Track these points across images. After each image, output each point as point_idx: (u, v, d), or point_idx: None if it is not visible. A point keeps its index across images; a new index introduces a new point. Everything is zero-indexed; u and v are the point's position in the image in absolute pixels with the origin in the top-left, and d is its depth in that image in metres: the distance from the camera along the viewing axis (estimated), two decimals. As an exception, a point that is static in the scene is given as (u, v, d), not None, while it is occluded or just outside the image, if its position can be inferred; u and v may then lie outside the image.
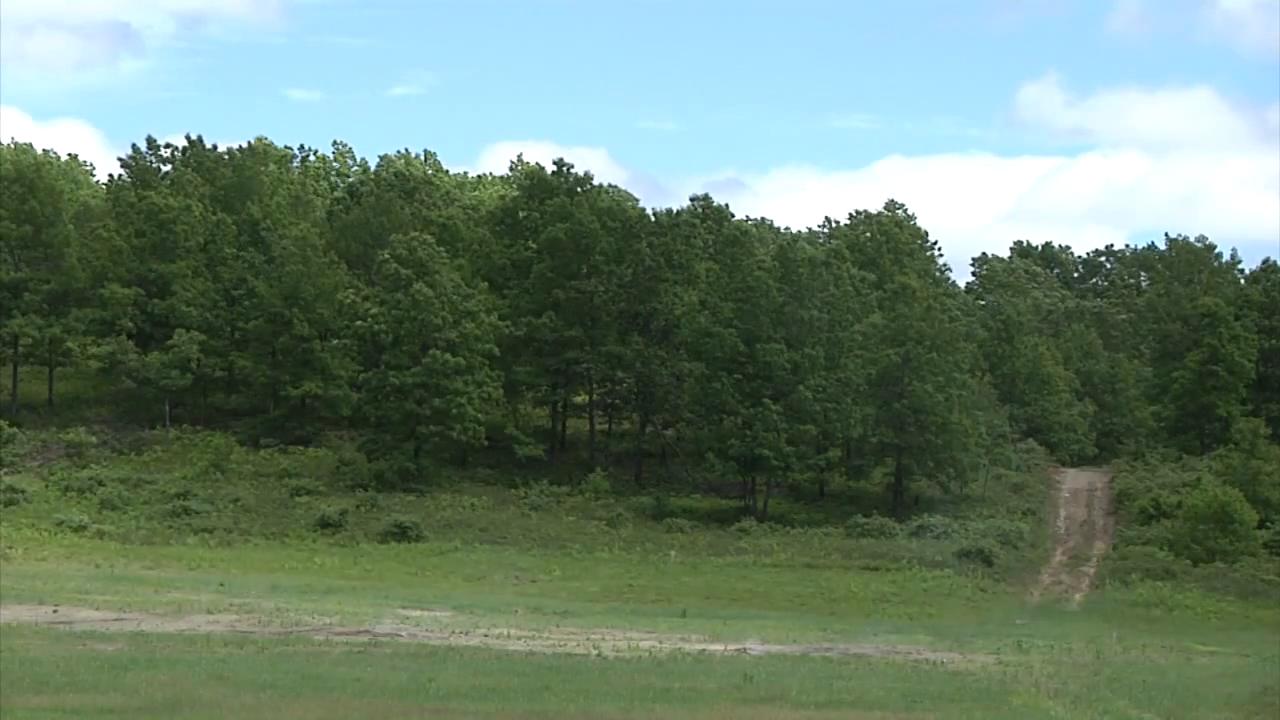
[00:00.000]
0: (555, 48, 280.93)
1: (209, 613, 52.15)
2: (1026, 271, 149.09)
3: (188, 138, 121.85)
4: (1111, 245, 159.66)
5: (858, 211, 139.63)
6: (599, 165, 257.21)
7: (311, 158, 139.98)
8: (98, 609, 51.91)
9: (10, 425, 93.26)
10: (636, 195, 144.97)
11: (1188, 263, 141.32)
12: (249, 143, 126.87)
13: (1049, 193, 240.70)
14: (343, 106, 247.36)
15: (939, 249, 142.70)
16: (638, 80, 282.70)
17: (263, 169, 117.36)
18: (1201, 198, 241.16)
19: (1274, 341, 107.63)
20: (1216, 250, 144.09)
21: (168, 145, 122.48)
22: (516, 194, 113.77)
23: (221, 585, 63.41)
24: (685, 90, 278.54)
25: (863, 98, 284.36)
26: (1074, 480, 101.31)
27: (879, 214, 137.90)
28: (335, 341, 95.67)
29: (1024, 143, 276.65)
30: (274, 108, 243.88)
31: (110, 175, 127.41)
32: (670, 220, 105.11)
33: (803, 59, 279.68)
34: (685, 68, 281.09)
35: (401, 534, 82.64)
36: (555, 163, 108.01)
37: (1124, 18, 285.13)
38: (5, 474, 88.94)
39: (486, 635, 48.76)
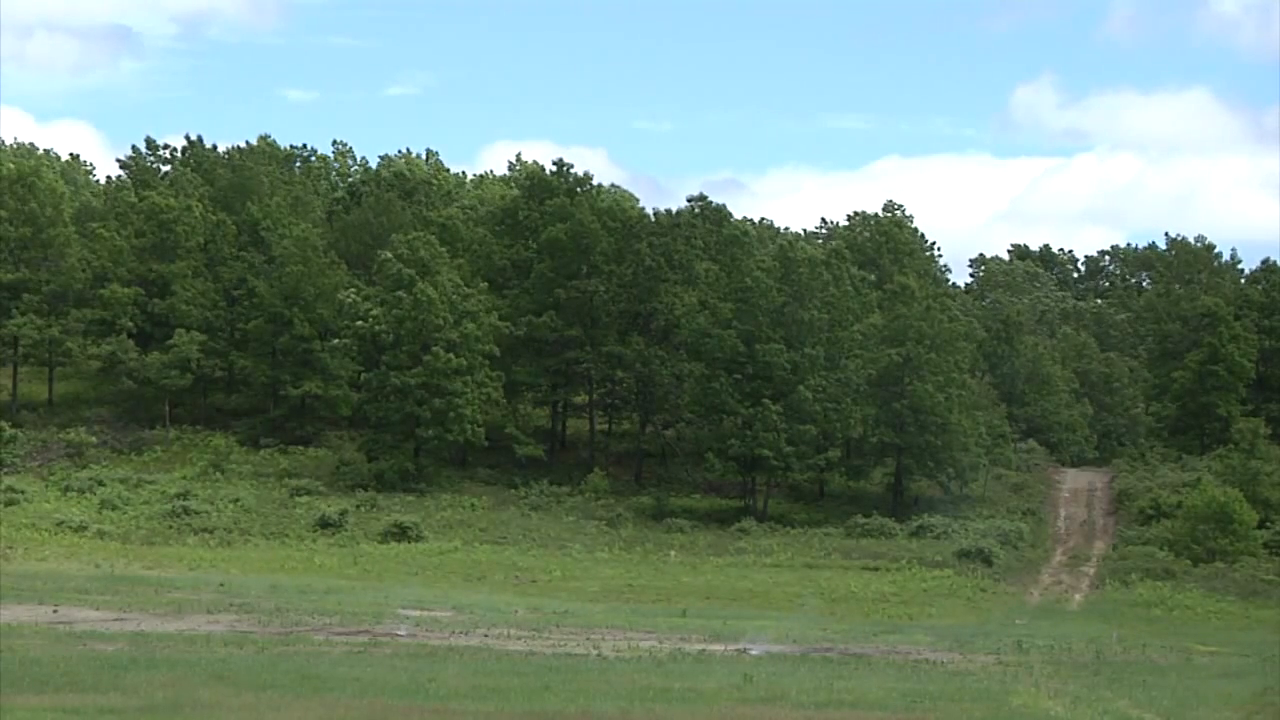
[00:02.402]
0: (552, 48, 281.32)
1: (209, 613, 52.15)
2: (1026, 272, 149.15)
3: (187, 138, 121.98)
4: (1116, 246, 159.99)
5: (856, 212, 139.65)
6: (598, 165, 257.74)
7: (312, 158, 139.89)
8: (98, 609, 51.91)
9: (10, 425, 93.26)
10: (636, 195, 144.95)
11: (1187, 263, 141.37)
12: (249, 142, 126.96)
13: (1044, 193, 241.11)
14: (339, 107, 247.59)
15: (938, 249, 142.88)
16: (634, 81, 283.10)
17: (264, 169, 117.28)
18: (1197, 199, 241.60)
19: (1274, 341, 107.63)
20: (1216, 250, 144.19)
21: (166, 146, 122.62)
22: (516, 194, 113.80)
23: (221, 585, 63.40)
24: (682, 91, 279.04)
25: (859, 98, 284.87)
26: (1074, 480, 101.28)
27: (877, 215, 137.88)
28: (335, 341, 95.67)
29: (1019, 144, 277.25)
30: (272, 108, 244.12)
31: (108, 176, 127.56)
32: (670, 220, 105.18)
33: (799, 60, 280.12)
34: (682, 68, 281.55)
35: (401, 534, 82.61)
36: (555, 163, 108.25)
37: (1118, 21, 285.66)
38: (5, 474, 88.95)
39: (486, 635, 48.76)
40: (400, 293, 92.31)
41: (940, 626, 59.81)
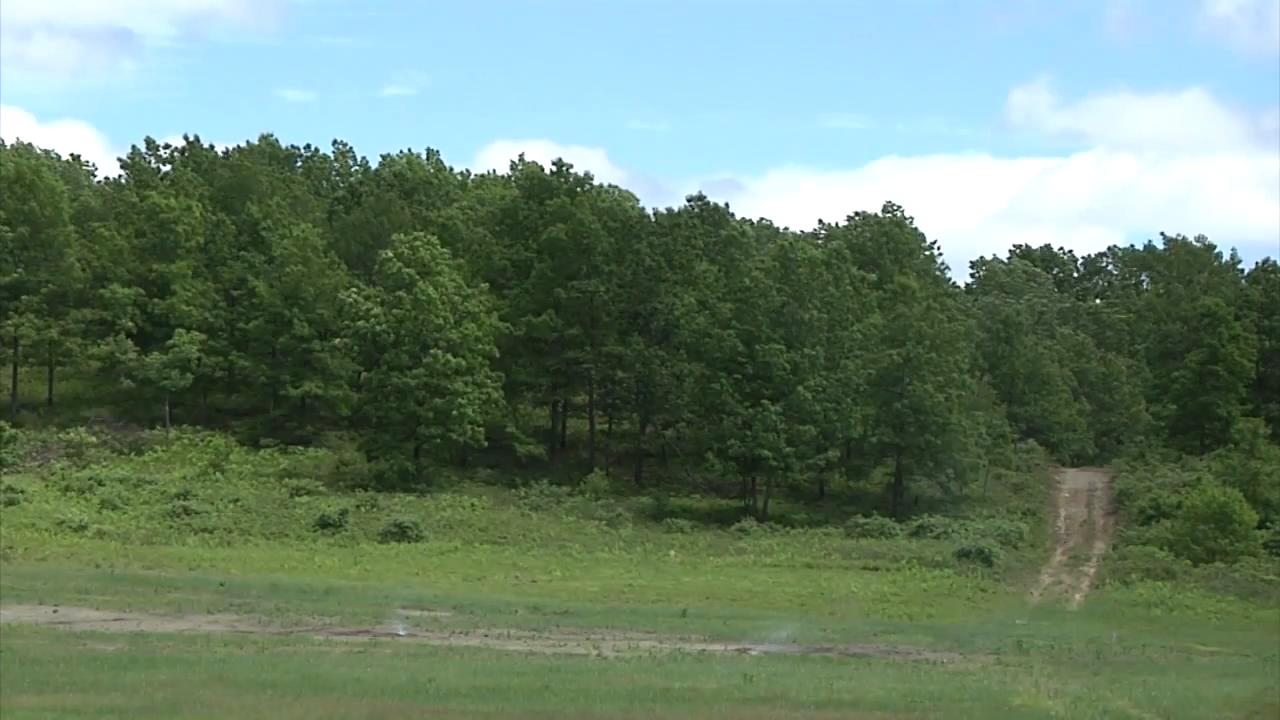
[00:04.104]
0: (551, 48, 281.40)
1: (209, 613, 52.12)
2: (1025, 272, 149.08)
3: (186, 138, 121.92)
4: (1114, 246, 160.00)
5: (856, 213, 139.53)
6: (598, 165, 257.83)
7: (313, 159, 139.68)
8: (98, 609, 51.87)
9: (10, 425, 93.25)
10: (636, 195, 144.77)
11: (1187, 263, 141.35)
12: (249, 142, 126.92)
13: (1042, 194, 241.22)
14: (339, 107, 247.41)
15: (938, 249, 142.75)
16: (633, 81, 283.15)
17: (263, 169, 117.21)
18: (1195, 199, 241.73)
19: (1274, 341, 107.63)
20: (1216, 250, 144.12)
21: (166, 146, 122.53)
22: (516, 194, 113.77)
23: (221, 585, 63.38)
24: (681, 91, 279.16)
25: (857, 99, 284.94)
26: (1074, 480, 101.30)
27: (877, 215, 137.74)
28: (336, 341, 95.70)
29: (1017, 144, 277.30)
30: (272, 108, 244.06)
31: (105, 177, 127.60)
32: (670, 220, 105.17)
33: (797, 60, 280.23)
34: (680, 69, 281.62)
35: (401, 534, 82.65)
36: (555, 163, 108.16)
37: (1115, 22, 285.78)
38: (5, 474, 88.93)
39: (486, 635, 48.75)
40: (400, 293, 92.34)
41: (940, 626, 59.78)
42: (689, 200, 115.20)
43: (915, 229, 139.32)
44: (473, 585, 70.47)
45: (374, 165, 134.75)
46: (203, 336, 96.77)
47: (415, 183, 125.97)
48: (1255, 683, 40.04)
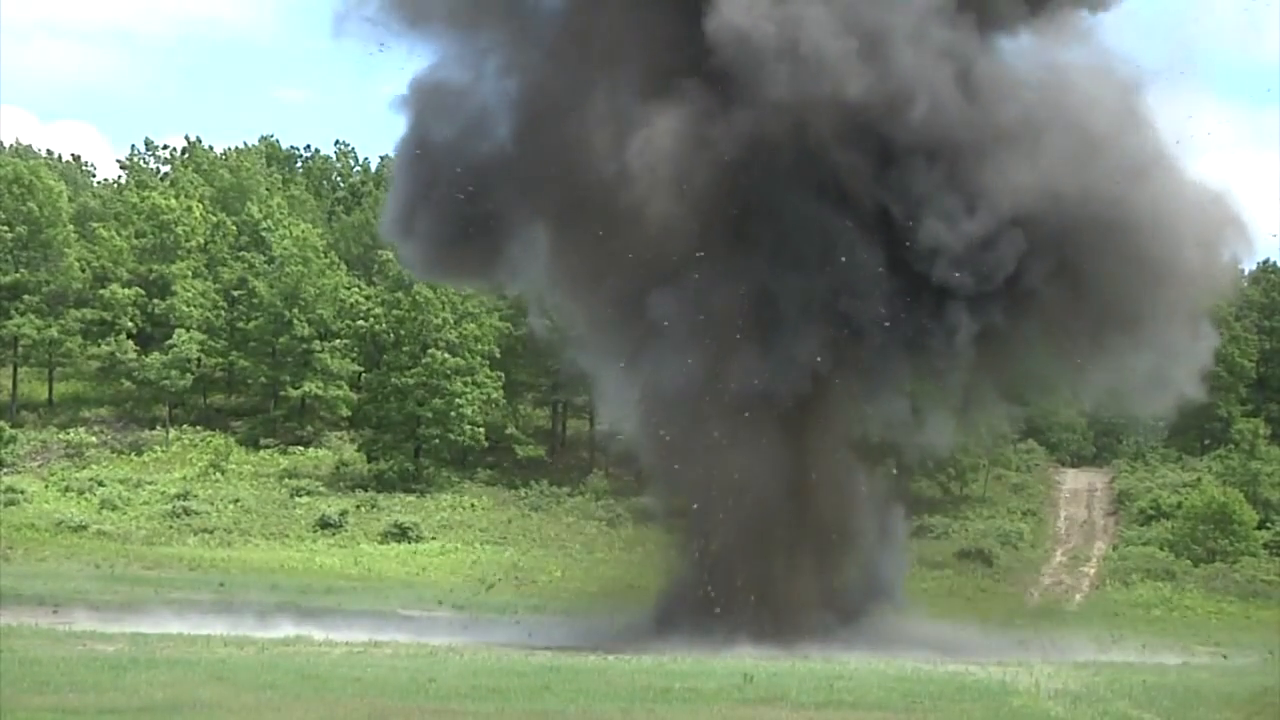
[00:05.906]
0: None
1: (209, 613, 52.08)
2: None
3: (186, 139, 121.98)
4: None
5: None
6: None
7: (312, 159, 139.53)
8: (98, 609, 51.82)
9: (10, 425, 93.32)
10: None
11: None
12: (247, 143, 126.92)
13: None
14: (337, 107, 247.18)
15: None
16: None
17: (263, 170, 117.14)
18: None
19: (1274, 342, 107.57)
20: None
21: (165, 146, 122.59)
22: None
23: (221, 585, 63.39)
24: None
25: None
26: (1074, 480, 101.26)
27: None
28: (337, 342, 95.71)
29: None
30: (272, 108, 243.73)
31: (104, 178, 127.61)
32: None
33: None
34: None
35: (402, 534, 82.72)
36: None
37: (1114, 22, 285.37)
38: (5, 474, 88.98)
39: (486, 635, 48.71)
40: (399, 293, 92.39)
41: (940, 626, 59.69)
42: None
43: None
44: (473, 585, 70.48)
45: (374, 166, 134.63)
46: (203, 336, 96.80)
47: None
48: (1255, 683, 40.01)
